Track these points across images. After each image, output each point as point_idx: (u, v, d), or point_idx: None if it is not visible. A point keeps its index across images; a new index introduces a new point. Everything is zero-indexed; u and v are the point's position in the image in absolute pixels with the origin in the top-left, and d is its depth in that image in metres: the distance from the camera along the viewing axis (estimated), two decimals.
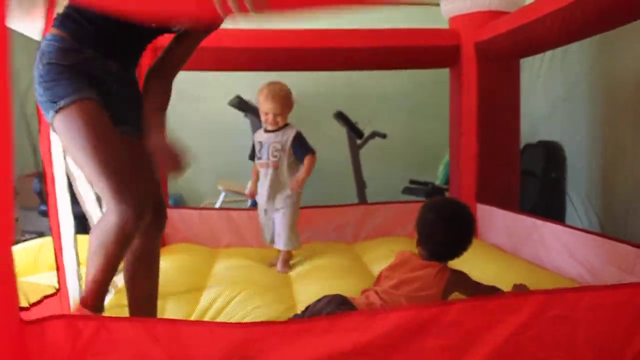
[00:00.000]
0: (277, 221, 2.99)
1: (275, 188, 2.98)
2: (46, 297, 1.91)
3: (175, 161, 1.77)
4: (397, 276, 1.98)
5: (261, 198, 3.03)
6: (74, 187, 2.38)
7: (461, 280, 1.99)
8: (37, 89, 1.69)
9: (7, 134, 1.30)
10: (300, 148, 2.98)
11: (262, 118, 2.98)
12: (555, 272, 2.60)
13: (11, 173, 1.33)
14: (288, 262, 3.03)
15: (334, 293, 1.92)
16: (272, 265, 3.02)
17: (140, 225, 1.69)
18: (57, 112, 1.65)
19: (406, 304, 1.86)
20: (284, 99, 2.93)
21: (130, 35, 1.81)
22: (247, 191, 3.22)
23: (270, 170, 2.96)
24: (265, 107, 2.93)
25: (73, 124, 1.64)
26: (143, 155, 1.86)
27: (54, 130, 1.71)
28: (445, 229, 2.01)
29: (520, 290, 2.09)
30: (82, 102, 1.66)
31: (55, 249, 2.03)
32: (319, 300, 1.89)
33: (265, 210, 3.03)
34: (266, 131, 3.02)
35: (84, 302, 1.74)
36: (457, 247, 2.04)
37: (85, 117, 1.65)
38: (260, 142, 3.02)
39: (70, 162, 2.34)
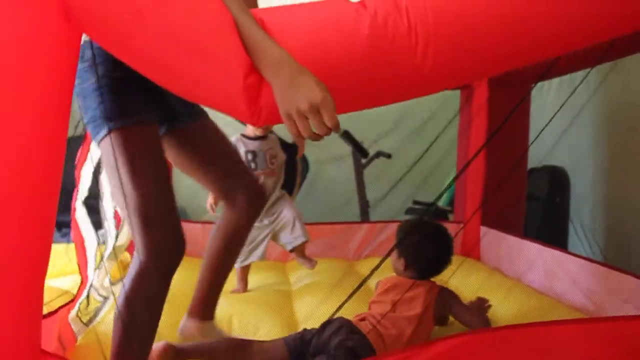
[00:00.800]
0: (288, 213, 2.88)
1: (276, 194, 2.90)
2: (61, 307, 1.90)
3: None
4: (389, 300, 2.02)
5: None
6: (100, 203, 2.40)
7: (451, 298, 2.07)
8: (86, 102, 1.56)
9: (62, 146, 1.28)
10: (289, 147, 3.00)
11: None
12: (558, 300, 2.58)
13: (54, 213, 1.27)
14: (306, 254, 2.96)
15: (340, 317, 1.92)
16: (236, 291, 2.86)
17: (164, 268, 1.55)
18: (111, 130, 1.50)
19: (407, 324, 1.92)
20: None
21: None
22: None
23: (269, 180, 2.84)
24: None
25: (131, 148, 1.51)
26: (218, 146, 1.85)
27: (98, 146, 1.58)
28: (433, 246, 2.09)
29: (480, 302, 2.18)
30: (141, 125, 1.54)
31: (78, 264, 2.02)
32: (327, 324, 1.90)
33: (261, 221, 2.83)
34: (255, 139, 2.85)
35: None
36: (441, 263, 2.13)
37: (148, 144, 1.55)
38: (254, 152, 2.83)
39: (103, 178, 2.34)
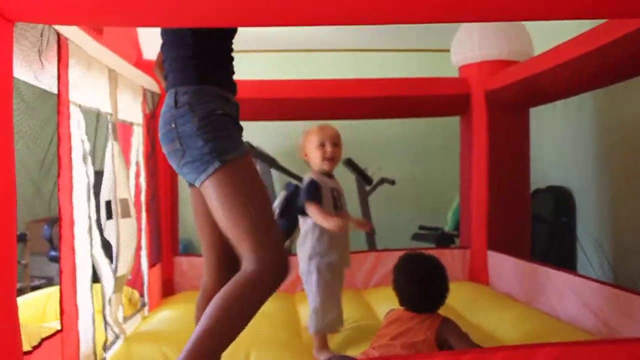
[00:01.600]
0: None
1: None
2: (45, 338, 1.89)
3: None
4: (391, 332, 2.04)
5: (346, 256, 2.60)
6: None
7: (452, 328, 2.03)
8: (187, 142, 1.69)
9: (11, 183, 1.32)
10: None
11: (318, 154, 2.50)
12: (569, 323, 2.57)
13: (14, 221, 1.36)
14: None
15: (341, 354, 2.00)
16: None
17: (284, 276, 1.68)
18: (223, 164, 1.65)
19: (402, 351, 1.93)
20: (338, 133, 2.60)
21: (231, 60, 1.91)
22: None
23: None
24: (322, 136, 2.51)
25: (242, 177, 1.68)
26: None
27: (204, 181, 1.69)
28: (419, 287, 2.06)
29: None
30: (248, 155, 1.72)
31: (61, 292, 2.02)
32: None
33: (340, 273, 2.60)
34: (330, 176, 2.58)
35: None
36: (434, 299, 2.09)
37: (253, 171, 1.72)
38: (337, 190, 2.57)
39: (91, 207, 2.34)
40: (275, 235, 1.70)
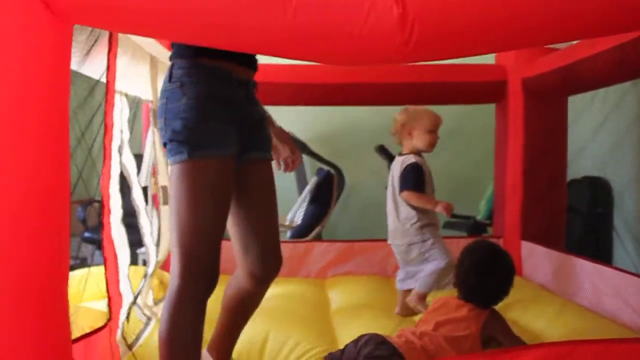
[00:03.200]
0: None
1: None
2: (95, 330, 1.91)
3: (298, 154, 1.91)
4: (433, 319, 1.99)
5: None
6: (137, 219, 2.43)
7: (499, 325, 1.97)
8: (170, 122, 1.59)
9: (65, 169, 1.32)
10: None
11: (425, 139, 2.75)
12: (606, 317, 2.51)
13: (68, 206, 1.35)
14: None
15: (371, 332, 1.92)
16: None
17: (199, 295, 1.60)
18: (191, 158, 1.56)
19: (446, 344, 1.88)
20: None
21: None
22: (290, 215, 2.79)
23: None
24: (437, 123, 2.77)
25: (194, 178, 1.57)
26: (267, 188, 1.82)
27: (171, 166, 1.62)
28: (479, 278, 2.00)
29: None
30: (218, 158, 1.58)
31: (107, 279, 2.04)
32: (357, 340, 1.89)
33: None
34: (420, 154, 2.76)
35: None
36: (490, 295, 2.03)
37: (217, 176, 1.58)
38: (429, 172, 2.79)
39: (136, 195, 2.37)
40: (211, 248, 1.59)
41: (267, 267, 1.81)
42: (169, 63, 1.69)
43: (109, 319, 2.01)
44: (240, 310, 1.88)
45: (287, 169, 1.95)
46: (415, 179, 2.68)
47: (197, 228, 1.56)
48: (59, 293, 1.31)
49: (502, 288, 2.02)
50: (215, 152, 1.58)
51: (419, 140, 2.71)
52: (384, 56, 1.33)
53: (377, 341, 1.85)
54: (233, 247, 1.83)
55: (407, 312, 2.64)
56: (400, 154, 2.80)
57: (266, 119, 1.84)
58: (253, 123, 1.74)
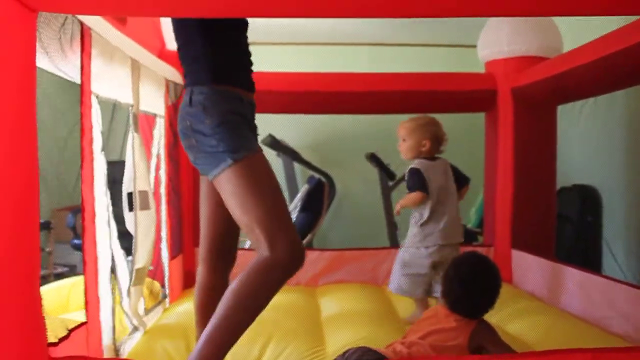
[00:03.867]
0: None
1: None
2: (72, 330, 1.89)
3: None
4: (423, 328, 2.00)
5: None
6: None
7: (487, 334, 1.96)
8: (202, 140, 1.75)
9: (34, 175, 1.32)
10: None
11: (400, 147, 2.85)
12: (596, 326, 2.52)
13: (37, 215, 1.35)
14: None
15: (359, 344, 1.94)
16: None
17: (298, 263, 1.73)
18: (236, 161, 1.71)
19: (433, 353, 1.87)
20: (409, 125, 2.86)
21: (249, 60, 1.94)
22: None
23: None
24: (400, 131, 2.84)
25: (254, 172, 1.73)
26: None
27: (217, 177, 1.75)
28: (462, 289, 1.99)
29: None
30: (260, 153, 1.77)
31: (85, 283, 2.03)
32: (343, 353, 1.89)
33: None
34: (431, 159, 2.83)
35: None
36: (475, 305, 2.01)
37: (265, 167, 1.76)
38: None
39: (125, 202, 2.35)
40: (289, 226, 1.74)
41: (225, 261, 2.00)
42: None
43: (85, 322, 1.98)
44: (208, 303, 1.95)
45: None
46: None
47: (276, 213, 1.71)
48: (31, 295, 1.31)
49: (487, 300, 2.02)
50: (253, 149, 1.76)
51: (429, 147, 2.82)
52: None
53: (363, 350, 1.86)
54: (200, 242, 1.99)
55: None
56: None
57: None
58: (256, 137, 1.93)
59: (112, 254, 2.20)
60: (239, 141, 1.74)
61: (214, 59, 1.81)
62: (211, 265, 1.97)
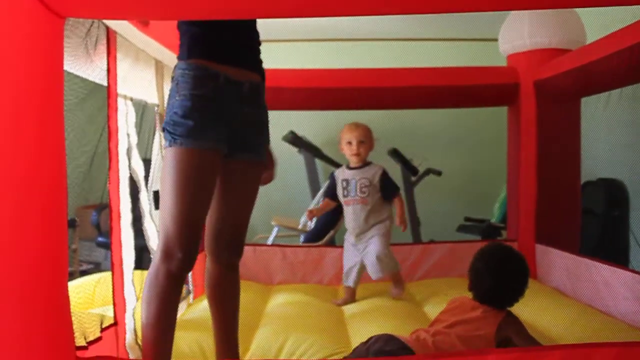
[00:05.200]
0: (375, 247, 3.00)
1: (368, 222, 3.03)
2: (104, 329, 1.92)
3: (271, 172, 2.05)
4: (450, 318, 1.98)
5: (352, 233, 3.07)
6: (142, 223, 2.44)
7: (514, 326, 1.95)
8: (168, 115, 1.76)
9: (62, 175, 1.34)
10: (387, 187, 3.06)
11: (347, 151, 3.04)
12: (622, 321, 2.49)
13: (66, 213, 1.37)
14: (402, 282, 3.11)
15: (386, 333, 1.91)
16: (339, 304, 3.02)
17: (173, 271, 1.71)
18: (173, 146, 1.72)
19: (460, 343, 1.86)
20: (367, 130, 3.04)
21: (244, 37, 1.88)
22: (303, 219, 3.34)
23: (358, 207, 3.02)
24: (349, 135, 3.00)
25: (178, 165, 1.71)
26: (246, 189, 1.94)
27: (163, 153, 1.78)
28: (492, 279, 1.98)
29: None
30: (200, 151, 1.72)
31: (113, 284, 2.06)
32: (366, 341, 1.89)
33: (355, 245, 3.07)
34: (350, 168, 3.09)
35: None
36: (505, 296, 2.00)
37: (192, 165, 1.71)
38: (347, 180, 3.07)
39: (143, 198, 2.40)
40: (187, 230, 1.71)
41: (230, 252, 1.96)
42: (173, 65, 1.84)
43: (115, 324, 2.02)
44: (220, 297, 1.99)
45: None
46: (326, 188, 3.28)
47: (174, 211, 1.70)
48: (59, 296, 1.33)
49: (517, 288, 2.00)
50: (195, 145, 1.71)
51: (345, 153, 3.09)
52: None
53: (385, 338, 1.86)
54: (206, 233, 1.96)
55: None
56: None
57: (265, 123, 1.95)
58: (246, 124, 1.85)
59: (152, 251, 2.24)
60: (187, 128, 1.70)
61: (194, 34, 1.78)
62: (216, 256, 1.96)
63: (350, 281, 3.06)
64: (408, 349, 1.81)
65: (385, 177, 3.05)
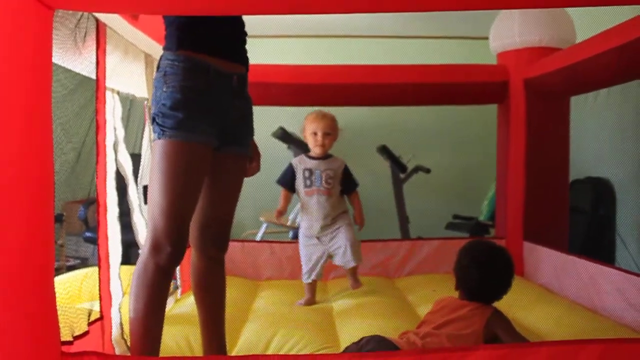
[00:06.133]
0: (342, 237, 2.96)
1: (333, 212, 2.97)
2: (91, 323, 1.91)
3: (256, 164, 2.05)
4: (438, 319, 1.99)
5: (315, 225, 2.98)
6: (131, 218, 2.43)
7: (502, 322, 1.97)
8: (156, 107, 1.73)
9: (49, 169, 1.32)
10: (349, 181, 3.03)
11: (311, 141, 2.97)
12: (609, 318, 2.51)
13: (52, 207, 1.37)
14: (357, 275, 3.07)
15: (373, 334, 1.92)
16: (302, 303, 2.95)
17: (161, 265, 1.70)
18: (160, 138, 1.71)
19: (448, 343, 1.87)
20: (333, 121, 2.97)
21: (232, 29, 1.87)
22: (292, 216, 3.22)
23: (323, 198, 2.95)
24: (314, 126, 2.93)
25: (168, 158, 1.70)
26: (232, 183, 1.95)
27: (153, 143, 1.76)
28: (480, 273, 2.01)
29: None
30: (190, 144, 1.71)
31: (100, 277, 2.05)
32: (358, 341, 1.89)
33: (319, 238, 2.99)
34: (313, 158, 3.00)
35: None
36: (493, 290, 2.03)
37: (182, 159, 1.71)
38: (310, 170, 2.98)
39: (132, 193, 2.38)
40: (176, 224, 1.70)
41: (216, 246, 1.96)
42: None
43: (101, 318, 2.00)
44: (205, 291, 1.99)
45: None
46: (281, 175, 3.07)
47: (163, 204, 1.69)
48: (45, 291, 1.33)
49: (504, 281, 2.03)
50: (184, 137, 1.70)
51: (308, 142, 3.00)
52: None
53: (377, 340, 1.86)
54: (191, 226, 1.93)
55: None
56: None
57: (251, 116, 1.96)
58: (234, 117, 1.86)
59: (141, 245, 2.23)
60: (176, 121, 1.69)
61: (183, 25, 1.76)
62: (202, 249, 1.95)
63: (314, 275, 2.97)
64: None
65: (347, 171, 3.02)
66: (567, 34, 3.41)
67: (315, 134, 2.94)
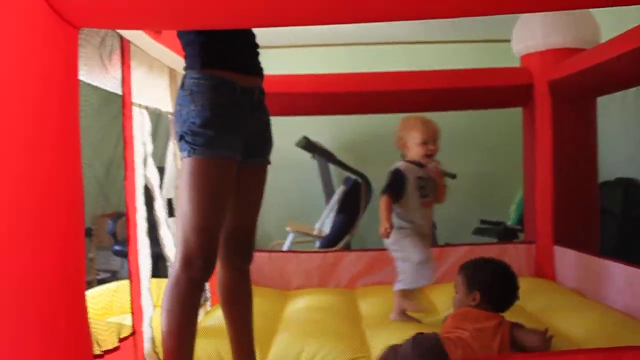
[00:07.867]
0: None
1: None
2: (121, 340, 1.93)
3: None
4: (469, 327, 2.04)
5: (426, 241, 2.74)
6: (158, 231, 2.44)
7: (520, 326, 2.07)
8: (183, 125, 1.74)
9: (79, 185, 1.34)
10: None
11: (419, 149, 2.69)
12: None
13: (83, 222, 1.38)
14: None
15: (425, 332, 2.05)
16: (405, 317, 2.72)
17: (194, 278, 1.72)
18: (192, 156, 1.72)
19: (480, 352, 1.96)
20: (436, 124, 2.78)
21: (248, 42, 1.90)
22: (318, 225, 2.96)
23: (430, 210, 2.76)
24: (425, 136, 2.69)
25: (199, 175, 1.72)
26: (255, 193, 1.98)
27: (182, 160, 1.78)
28: (506, 284, 2.17)
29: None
30: (220, 159, 1.74)
31: (131, 292, 2.06)
32: (413, 338, 2.00)
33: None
34: (419, 165, 2.74)
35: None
36: (515, 298, 2.17)
37: (212, 175, 1.73)
38: (424, 179, 2.72)
39: (158, 206, 2.40)
40: (208, 238, 1.73)
41: (241, 257, 1.98)
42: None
43: (133, 333, 2.02)
44: (232, 303, 2.01)
45: None
46: (388, 184, 2.71)
47: (194, 220, 1.71)
48: (77, 305, 1.34)
49: (516, 290, 2.17)
50: (214, 154, 1.73)
51: (412, 152, 2.73)
52: None
53: (436, 338, 2.00)
54: None
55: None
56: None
57: (269, 126, 1.99)
58: (256, 130, 1.90)
59: (169, 260, 2.24)
60: (206, 139, 1.71)
61: (204, 44, 1.78)
62: (227, 261, 1.96)
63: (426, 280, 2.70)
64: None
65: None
66: (591, 33, 3.37)
67: (425, 143, 2.68)
